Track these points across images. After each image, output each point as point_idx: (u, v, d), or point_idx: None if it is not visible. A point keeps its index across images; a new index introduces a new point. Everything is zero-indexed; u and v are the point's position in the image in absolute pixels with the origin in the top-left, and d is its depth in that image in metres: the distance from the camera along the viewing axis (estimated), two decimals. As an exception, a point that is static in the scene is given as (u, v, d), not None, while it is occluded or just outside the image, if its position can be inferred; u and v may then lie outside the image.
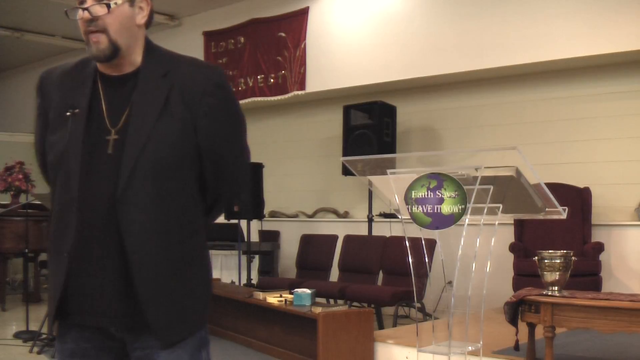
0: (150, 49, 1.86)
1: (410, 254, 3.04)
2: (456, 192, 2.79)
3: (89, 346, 1.84)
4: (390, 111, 7.10)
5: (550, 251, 3.86)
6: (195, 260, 1.83)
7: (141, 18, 1.81)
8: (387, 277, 6.51)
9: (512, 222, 6.17)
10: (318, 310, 4.72)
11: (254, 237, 7.76)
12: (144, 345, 1.79)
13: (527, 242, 6.09)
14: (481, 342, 2.93)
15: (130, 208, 1.72)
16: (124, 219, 1.72)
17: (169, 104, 1.77)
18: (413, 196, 2.91)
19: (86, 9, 1.74)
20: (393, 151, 6.92)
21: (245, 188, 1.99)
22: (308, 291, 5.09)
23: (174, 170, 1.76)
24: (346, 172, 6.40)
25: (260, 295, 5.42)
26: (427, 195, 2.86)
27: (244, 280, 7.30)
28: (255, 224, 7.78)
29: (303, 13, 7.82)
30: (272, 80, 8.03)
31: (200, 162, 1.82)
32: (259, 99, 8.09)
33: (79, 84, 1.84)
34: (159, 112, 1.76)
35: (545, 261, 3.80)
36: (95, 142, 1.77)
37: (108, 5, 1.74)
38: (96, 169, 1.75)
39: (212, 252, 7.08)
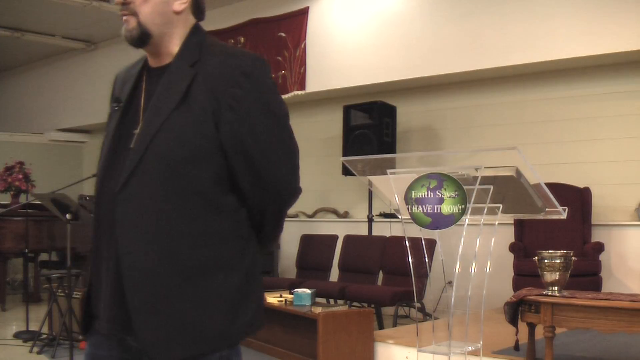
0: (192, 37, 1.74)
1: (410, 254, 3.04)
2: (456, 192, 2.79)
3: (106, 354, 1.71)
4: (390, 111, 7.10)
5: (550, 251, 3.86)
6: (216, 270, 1.62)
7: (179, 5, 1.71)
8: (387, 277, 6.51)
9: (512, 222, 6.17)
10: (318, 310, 4.72)
11: (254, 237, 7.75)
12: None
13: (527, 242, 6.09)
14: (481, 342, 2.93)
15: (128, 204, 1.60)
16: (119, 216, 1.60)
17: (190, 94, 1.62)
18: (413, 196, 2.91)
19: None
20: (393, 151, 6.91)
21: (288, 195, 1.75)
22: (308, 291, 5.09)
23: (185, 166, 1.59)
24: (346, 172, 6.40)
25: (260, 295, 5.42)
26: (427, 195, 2.86)
27: (244, 280, 7.29)
28: (255, 224, 7.77)
29: (303, 13, 7.82)
30: (272, 80, 8.02)
31: (223, 161, 1.63)
32: (259, 99, 8.08)
33: (130, 78, 1.79)
34: (176, 103, 1.62)
35: (545, 261, 3.80)
36: (124, 135, 1.69)
37: None
38: (116, 163, 1.67)
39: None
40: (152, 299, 1.58)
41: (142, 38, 1.70)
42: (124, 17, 1.70)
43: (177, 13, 1.73)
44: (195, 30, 1.77)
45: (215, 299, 1.62)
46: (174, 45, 1.73)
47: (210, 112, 1.61)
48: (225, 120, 1.61)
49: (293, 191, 1.76)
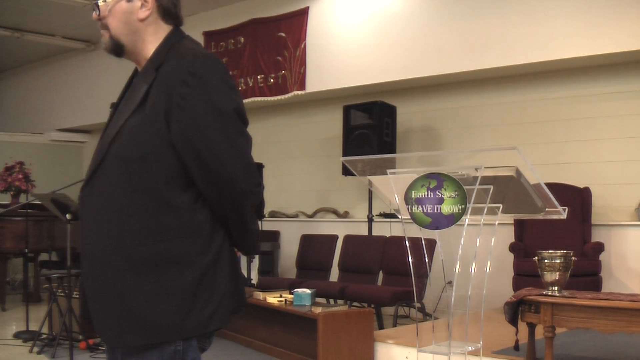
0: (165, 42, 1.80)
1: (410, 254, 3.04)
2: (456, 192, 2.79)
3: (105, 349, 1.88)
4: (390, 111, 7.10)
5: (550, 251, 3.86)
6: (169, 265, 1.67)
7: (142, 12, 1.78)
8: (387, 277, 6.51)
9: (512, 222, 6.17)
10: (318, 310, 4.72)
11: (254, 237, 7.74)
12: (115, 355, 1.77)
13: (527, 242, 6.09)
14: (481, 342, 2.93)
15: (90, 200, 1.74)
16: (83, 211, 1.76)
17: (149, 96, 1.70)
18: (413, 196, 2.91)
19: (94, 8, 1.81)
20: (393, 151, 6.91)
21: (242, 194, 1.73)
22: (308, 291, 5.09)
23: (137, 166, 1.67)
24: (346, 172, 6.40)
25: (260, 295, 5.42)
26: (427, 195, 2.86)
27: (244, 280, 7.30)
28: (255, 224, 7.77)
29: (303, 13, 7.81)
30: (272, 80, 8.02)
31: (177, 160, 1.68)
32: (259, 99, 8.09)
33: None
34: (136, 106, 1.71)
35: (545, 261, 3.80)
36: (105, 137, 1.80)
37: (96, 5, 1.79)
38: (91, 163, 1.80)
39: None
40: (104, 288, 1.68)
41: (115, 49, 1.81)
42: (102, 32, 1.82)
43: (142, 20, 1.79)
44: (171, 35, 1.82)
45: (167, 293, 1.67)
46: (149, 51, 1.80)
47: (163, 112, 1.67)
48: (174, 119, 1.67)
49: (247, 190, 1.74)
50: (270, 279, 7.31)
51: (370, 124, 6.94)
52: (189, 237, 1.69)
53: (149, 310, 1.65)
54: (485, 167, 2.77)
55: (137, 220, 1.66)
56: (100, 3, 1.79)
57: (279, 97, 7.98)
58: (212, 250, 1.73)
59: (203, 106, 1.67)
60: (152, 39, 1.80)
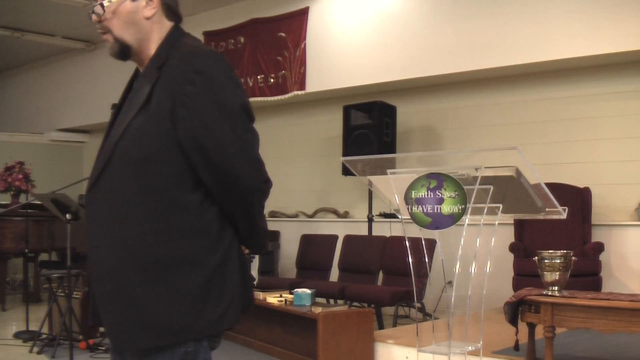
0: (167, 40, 1.78)
1: (410, 254, 3.04)
2: (456, 192, 2.79)
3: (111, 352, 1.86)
4: (390, 111, 7.10)
5: (550, 251, 3.86)
6: (179, 265, 1.65)
7: (148, 10, 1.76)
8: (387, 277, 6.51)
9: (512, 222, 6.17)
10: (318, 310, 4.72)
11: (254, 237, 7.74)
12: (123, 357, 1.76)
13: (527, 242, 6.09)
14: (481, 342, 2.93)
15: (96, 202, 1.71)
16: (89, 213, 1.73)
17: (152, 96, 1.68)
18: (413, 196, 2.91)
19: (93, 11, 1.77)
20: (393, 151, 6.91)
21: (250, 190, 1.73)
22: (308, 291, 5.09)
23: (144, 166, 1.65)
24: (346, 172, 6.40)
25: (260, 295, 5.42)
26: (427, 195, 2.86)
27: (244, 280, 7.27)
28: (255, 224, 7.76)
29: (303, 13, 7.81)
30: (272, 80, 8.02)
31: (184, 160, 1.66)
32: (259, 99, 8.09)
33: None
34: (140, 106, 1.69)
35: (545, 261, 3.80)
36: (110, 138, 1.78)
37: (102, 5, 1.75)
38: (97, 165, 1.78)
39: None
40: (113, 291, 1.66)
41: (122, 51, 1.78)
42: (104, 37, 1.78)
43: (148, 18, 1.77)
44: (172, 33, 1.80)
45: (178, 293, 1.65)
46: (152, 50, 1.78)
47: (168, 111, 1.65)
48: (180, 117, 1.64)
49: (254, 187, 1.74)
50: (270, 279, 7.30)
51: (370, 124, 6.94)
52: (198, 237, 1.68)
53: (160, 312, 1.63)
54: (485, 167, 2.77)
55: (145, 222, 1.64)
56: (106, 3, 1.75)
57: (279, 97, 7.97)
58: (221, 249, 1.71)
59: (209, 104, 1.65)
60: (156, 38, 1.78)
